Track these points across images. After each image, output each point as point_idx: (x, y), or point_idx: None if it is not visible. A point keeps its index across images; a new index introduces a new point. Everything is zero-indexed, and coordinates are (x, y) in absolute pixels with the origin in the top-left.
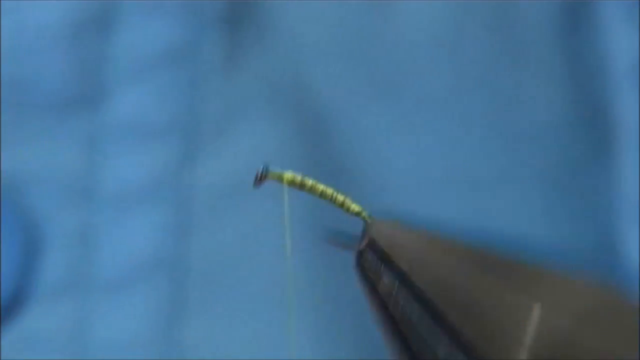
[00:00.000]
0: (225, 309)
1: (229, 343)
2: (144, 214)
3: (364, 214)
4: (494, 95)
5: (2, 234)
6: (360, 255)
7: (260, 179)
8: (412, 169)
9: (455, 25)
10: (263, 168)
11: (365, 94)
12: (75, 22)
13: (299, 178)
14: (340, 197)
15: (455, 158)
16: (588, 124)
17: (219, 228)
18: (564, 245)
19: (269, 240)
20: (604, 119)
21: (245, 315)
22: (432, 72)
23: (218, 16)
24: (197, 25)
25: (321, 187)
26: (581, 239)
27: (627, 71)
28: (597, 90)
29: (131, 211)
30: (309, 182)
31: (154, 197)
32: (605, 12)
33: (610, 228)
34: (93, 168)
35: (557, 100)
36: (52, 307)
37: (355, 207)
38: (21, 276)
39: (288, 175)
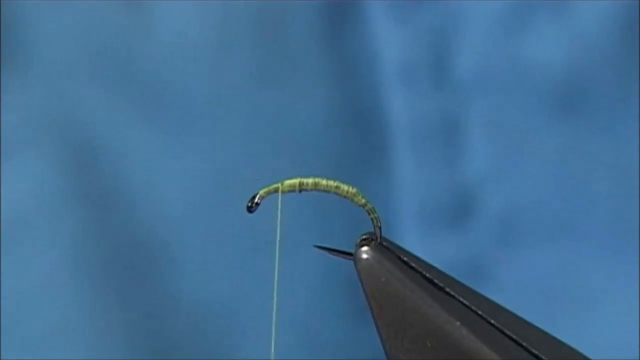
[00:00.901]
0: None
1: None
2: None
3: (369, 206)
4: (262, 104)
5: None
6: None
7: (253, 205)
8: (183, 189)
9: (217, 36)
10: (254, 195)
11: (129, 117)
12: None
13: (296, 181)
14: (345, 187)
15: (226, 172)
16: (360, 126)
17: None
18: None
19: (47, 292)
20: (376, 120)
21: None
22: (197, 86)
23: None
24: None
25: (323, 181)
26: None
27: (395, 70)
28: (367, 91)
29: None
30: (309, 180)
31: None
32: (370, 11)
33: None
34: None
35: (327, 104)
36: None
37: (361, 198)
38: None
39: (287, 182)
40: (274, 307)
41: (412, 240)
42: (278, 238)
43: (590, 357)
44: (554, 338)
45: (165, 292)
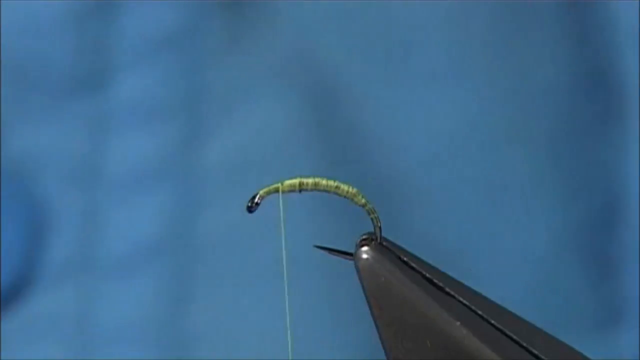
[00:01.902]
0: (232, 289)
1: (236, 324)
2: (150, 195)
3: (369, 206)
4: (500, 59)
5: (6, 216)
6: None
7: (253, 205)
8: (423, 136)
9: None
10: (254, 195)
11: (373, 64)
12: (79, 6)
13: (296, 181)
14: (345, 187)
15: (464, 122)
16: (593, 85)
17: (226, 206)
18: (569, 207)
19: (274, 215)
20: (608, 80)
21: (253, 294)
22: (440, 38)
23: None
24: (200, 5)
25: (323, 181)
26: (587, 198)
27: (629, 32)
28: (601, 51)
29: (137, 192)
30: (309, 180)
31: (160, 177)
32: None
33: (614, 190)
34: (99, 149)
35: (562, 61)
36: (57, 290)
37: (361, 198)
38: (25, 259)
39: (287, 182)
40: (287, 306)
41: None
42: (283, 238)
43: (591, 357)
44: (554, 338)
45: (413, 234)
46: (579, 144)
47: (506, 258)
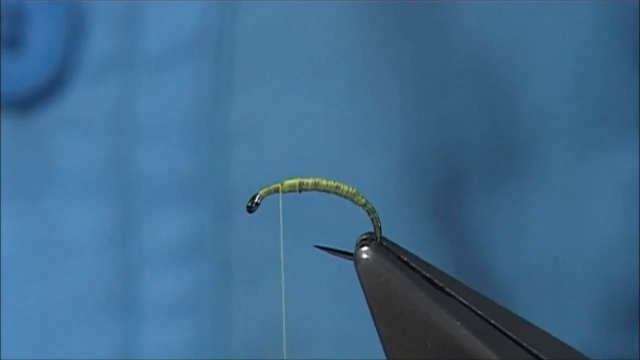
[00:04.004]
0: (270, 84)
1: (275, 118)
2: None
3: (369, 206)
4: None
5: (46, 14)
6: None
7: (253, 205)
8: None
9: None
10: (254, 195)
11: None
12: None
13: (296, 181)
14: (345, 187)
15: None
16: None
17: (266, 4)
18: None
19: (315, 14)
20: None
21: (291, 89)
22: None
23: None
24: None
25: (323, 181)
26: None
27: None
28: None
29: None
30: (309, 180)
31: None
32: None
33: None
34: None
35: None
36: (96, 85)
37: (361, 198)
38: (64, 54)
39: (287, 182)
40: (283, 306)
41: None
42: (281, 238)
43: (590, 357)
44: (554, 338)
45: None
46: None
47: (550, 50)
